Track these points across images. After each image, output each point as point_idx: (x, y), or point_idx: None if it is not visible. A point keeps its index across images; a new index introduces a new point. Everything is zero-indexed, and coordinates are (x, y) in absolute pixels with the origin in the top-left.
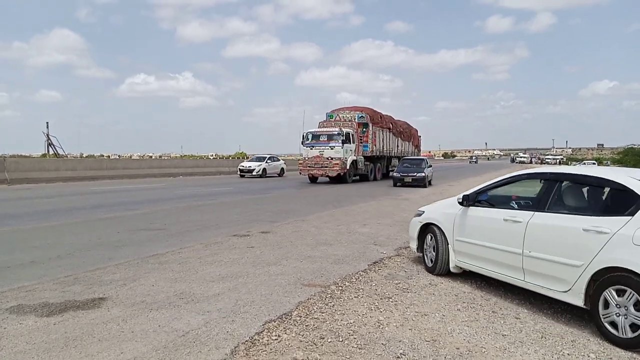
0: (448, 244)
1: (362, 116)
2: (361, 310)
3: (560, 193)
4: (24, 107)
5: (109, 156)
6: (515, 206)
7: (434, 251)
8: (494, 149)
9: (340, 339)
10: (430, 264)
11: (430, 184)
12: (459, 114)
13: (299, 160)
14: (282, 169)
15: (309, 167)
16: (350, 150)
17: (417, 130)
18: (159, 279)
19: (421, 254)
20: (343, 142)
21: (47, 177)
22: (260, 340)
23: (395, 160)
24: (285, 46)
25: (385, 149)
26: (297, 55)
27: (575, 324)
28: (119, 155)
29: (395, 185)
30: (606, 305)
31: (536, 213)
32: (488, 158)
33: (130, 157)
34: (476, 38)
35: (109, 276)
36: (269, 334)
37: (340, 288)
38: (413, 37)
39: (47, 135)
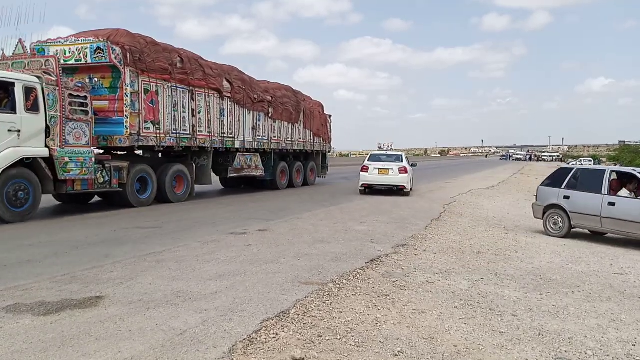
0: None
1: (98, 48)
2: (359, 308)
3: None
4: None
5: None
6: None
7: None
8: (491, 146)
9: (338, 337)
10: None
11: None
12: (456, 111)
13: None
14: None
15: None
16: (12, 129)
17: (322, 107)
18: (156, 278)
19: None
20: None
21: None
22: (258, 339)
23: (253, 159)
24: (283, 44)
25: (198, 132)
26: (295, 52)
27: (572, 321)
28: None
29: None
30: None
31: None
32: (486, 155)
33: None
34: (473, 36)
35: (106, 274)
36: (266, 332)
37: (338, 286)
38: (411, 35)
39: None
